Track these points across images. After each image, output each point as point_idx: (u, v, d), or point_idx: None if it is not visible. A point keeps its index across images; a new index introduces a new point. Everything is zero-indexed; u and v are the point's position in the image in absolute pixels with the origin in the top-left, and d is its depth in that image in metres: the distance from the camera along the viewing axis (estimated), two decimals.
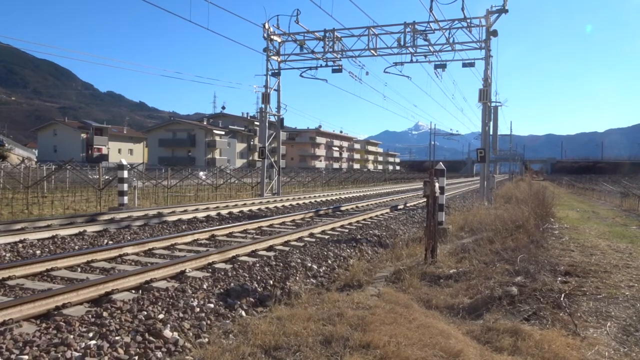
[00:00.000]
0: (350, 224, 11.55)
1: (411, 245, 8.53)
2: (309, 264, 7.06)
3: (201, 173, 36.18)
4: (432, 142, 72.66)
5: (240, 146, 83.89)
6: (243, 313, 4.97)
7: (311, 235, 9.56)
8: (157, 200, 19.46)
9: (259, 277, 6.13)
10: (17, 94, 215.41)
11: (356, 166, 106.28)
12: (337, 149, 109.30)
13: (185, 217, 11.69)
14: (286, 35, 21.95)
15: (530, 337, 3.95)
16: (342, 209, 15.29)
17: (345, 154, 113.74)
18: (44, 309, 4.39)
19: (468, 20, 19.34)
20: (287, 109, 27.10)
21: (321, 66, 22.61)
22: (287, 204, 16.51)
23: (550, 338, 3.92)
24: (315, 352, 3.54)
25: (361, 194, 24.35)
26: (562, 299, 5.01)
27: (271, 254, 7.55)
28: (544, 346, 3.78)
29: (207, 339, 4.09)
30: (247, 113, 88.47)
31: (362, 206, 16.68)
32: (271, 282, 6.05)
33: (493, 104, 20.93)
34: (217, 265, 6.54)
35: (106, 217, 10.91)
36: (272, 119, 23.32)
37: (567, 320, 4.49)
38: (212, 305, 4.94)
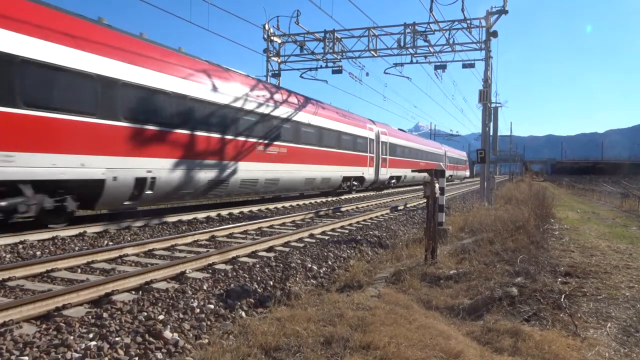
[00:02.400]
0: (350, 224, 11.55)
1: (411, 246, 8.53)
2: (309, 265, 7.06)
3: None
4: None
5: None
6: (243, 314, 4.97)
7: (311, 236, 9.57)
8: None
9: (259, 278, 6.13)
10: None
11: None
12: None
13: (185, 217, 11.69)
14: (286, 36, 21.98)
15: (531, 338, 3.95)
16: (343, 209, 15.29)
17: None
18: (44, 309, 4.40)
19: (468, 21, 19.38)
20: None
21: (321, 67, 22.67)
22: (287, 204, 16.50)
23: (551, 339, 3.92)
24: (316, 353, 3.54)
25: (362, 194, 24.37)
26: (562, 299, 5.01)
27: (271, 254, 7.56)
28: (544, 347, 3.78)
29: (207, 340, 4.09)
30: None
31: (363, 207, 16.68)
32: (271, 283, 6.06)
33: (493, 105, 20.98)
34: (217, 266, 6.54)
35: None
36: None
37: (568, 320, 4.49)
38: (212, 306, 4.95)
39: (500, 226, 9.49)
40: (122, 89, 9.90)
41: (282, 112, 16.25)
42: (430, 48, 20.71)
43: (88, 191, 9.44)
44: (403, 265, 6.89)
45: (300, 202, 17.65)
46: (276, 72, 23.15)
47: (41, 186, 8.49)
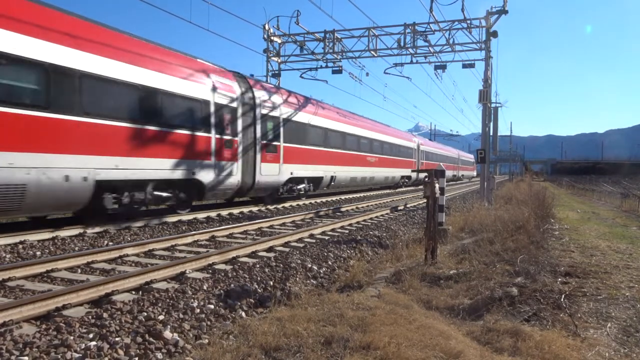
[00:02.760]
0: (350, 224, 11.55)
1: (411, 246, 8.52)
2: (309, 265, 7.06)
3: None
4: None
5: None
6: (243, 314, 4.97)
7: (311, 236, 9.57)
8: None
9: (259, 278, 6.13)
10: None
11: None
12: None
13: (185, 217, 11.69)
14: (286, 36, 21.96)
15: (531, 338, 3.95)
16: (343, 209, 15.29)
17: None
18: (44, 310, 4.40)
19: (468, 21, 19.36)
20: None
21: (321, 67, 22.62)
22: (287, 205, 16.50)
23: (551, 339, 3.92)
24: (316, 353, 3.54)
25: (362, 194, 24.39)
26: (562, 299, 5.01)
27: (271, 254, 7.56)
28: (544, 347, 3.78)
29: (207, 340, 4.09)
30: None
31: (363, 207, 16.68)
32: (271, 283, 6.05)
33: (493, 105, 20.97)
34: (217, 266, 6.54)
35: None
36: None
37: (568, 321, 4.49)
38: (212, 306, 4.95)
39: (500, 226, 9.49)
40: (346, 137, 21.80)
41: (375, 135, 25.99)
42: (430, 48, 20.69)
43: (317, 182, 19.12)
44: (403, 265, 6.89)
45: (300, 203, 17.66)
46: (276, 72, 23.14)
47: (308, 180, 18.31)
